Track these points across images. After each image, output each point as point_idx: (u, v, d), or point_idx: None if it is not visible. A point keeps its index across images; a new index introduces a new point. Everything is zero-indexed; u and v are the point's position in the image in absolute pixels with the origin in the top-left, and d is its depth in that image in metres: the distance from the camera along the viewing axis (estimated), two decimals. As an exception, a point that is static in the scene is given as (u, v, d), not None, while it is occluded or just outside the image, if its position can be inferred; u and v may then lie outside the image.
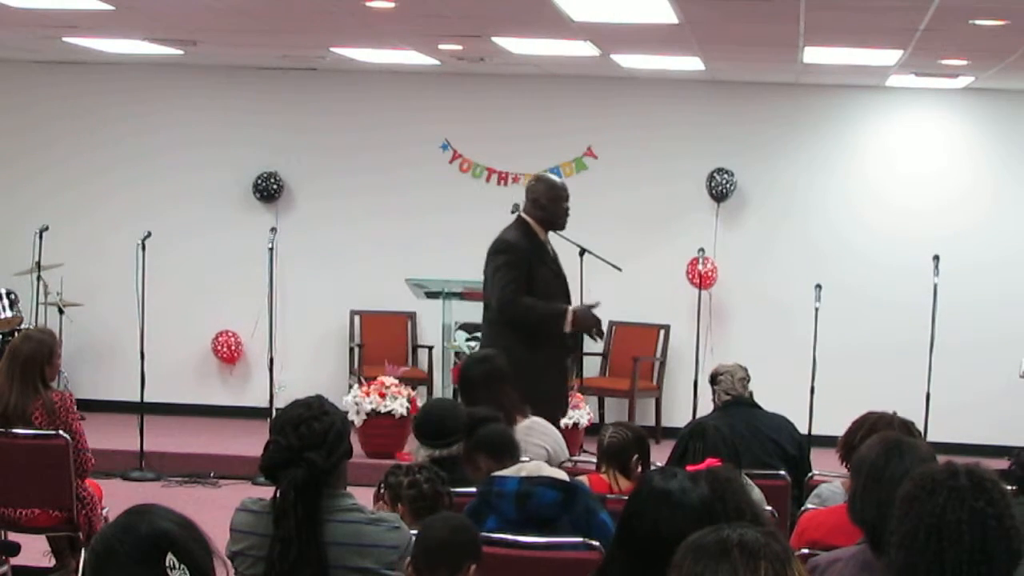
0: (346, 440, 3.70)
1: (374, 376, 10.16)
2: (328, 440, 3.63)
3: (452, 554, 3.73)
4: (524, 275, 7.21)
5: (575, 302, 7.61)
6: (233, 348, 11.69)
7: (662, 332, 11.39)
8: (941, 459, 3.55)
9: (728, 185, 11.35)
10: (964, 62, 9.46)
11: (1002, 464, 4.29)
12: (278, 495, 3.62)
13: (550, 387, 7.18)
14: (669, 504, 3.21)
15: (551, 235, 7.49)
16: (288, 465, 3.60)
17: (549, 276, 7.29)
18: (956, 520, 2.79)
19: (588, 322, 7.34)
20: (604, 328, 7.55)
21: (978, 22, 7.45)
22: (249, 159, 11.77)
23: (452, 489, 4.66)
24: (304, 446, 3.60)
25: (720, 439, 4.89)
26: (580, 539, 4.28)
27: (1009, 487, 3.36)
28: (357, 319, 11.67)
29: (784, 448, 6.06)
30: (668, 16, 7.71)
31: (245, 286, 11.27)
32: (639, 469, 5.29)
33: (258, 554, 3.67)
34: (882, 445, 3.55)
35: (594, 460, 6.06)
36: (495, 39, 9.16)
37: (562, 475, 4.69)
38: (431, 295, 10.10)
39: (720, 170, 11.37)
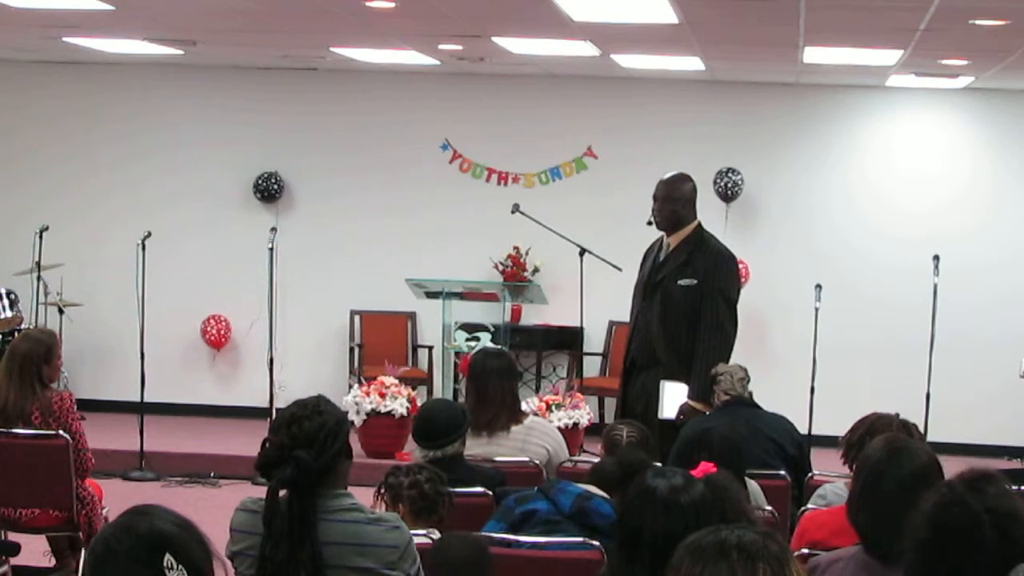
0: (341, 440, 3.69)
1: (374, 376, 10.16)
2: (319, 440, 3.62)
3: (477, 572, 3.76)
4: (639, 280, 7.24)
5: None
6: (223, 333, 11.70)
7: (662, 332, 11.38)
8: (941, 458, 3.56)
9: (735, 186, 11.30)
10: (964, 62, 9.46)
11: (1002, 464, 4.29)
12: (267, 494, 3.62)
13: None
14: (656, 504, 3.20)
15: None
16: (279, 464, 3.60)
17: (638, 283, 7.21)
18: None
19: None
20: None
21: (978, 22, 7.46)
22: (249, 159, 11.77)
23: (451, 489, 4.65)
24: (295, 445, 3.60)
25: (724, 447, 4.89)
26: (580, 539, 4.27)
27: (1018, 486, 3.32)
28: (357, 319, 11.67)
29: (784, 448, 6.05)
30: (668, 16, 7.72)
31: (245, 286, 11.28)
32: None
33: (258, 554, 3.67)
34: (885, 449, 3.52)
35: (595, 461, 6.06)
36: (495, 39, 9.16)
37: None
38: (431, 295, 10.10)
39: (730, 170, 11.33)
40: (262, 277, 10.11)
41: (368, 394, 9.77)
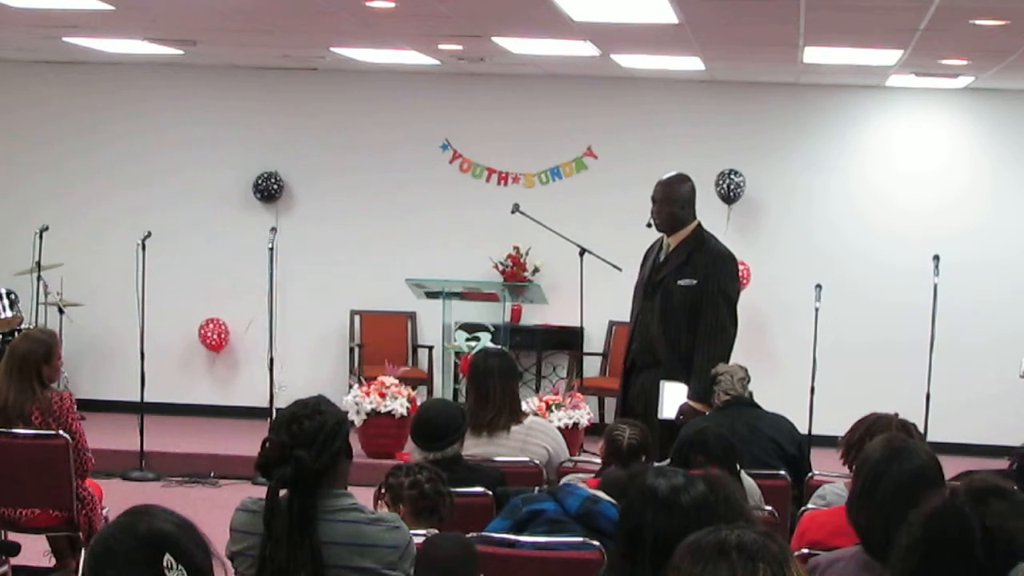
0: (340, 440, 3.69)
1: (374, 376, 10.15)
2: (318, 439, 3.62)
3: (465, 571, 3.76)
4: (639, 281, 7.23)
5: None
6: (222, 336, 11.69)
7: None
8: (941, 458, 3.56)
9: (737, 188, 11.28)
10: (964, 62, 9.46)
11: (1002, 464, 4.29)
12: (267, 494, 3.62)
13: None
14: (656, 504, 3.20)
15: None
16: (279, 463, 3.60)
17: (638, 283, 7.22)
18: None
19: None
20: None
21: (978, 22, 7.45)
22: (249, 159, 11.77)
23: (451, 489, 4.65)
24: (295, 444, 3.61)
25: (720, 447, 4.89)
26: (580, 539, 4.27)
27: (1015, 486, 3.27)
28: (357, 319, 11.67)
29: (784, 448, 6.06)
30: (668, 16, 7.71)
31: (245, 286, 11.28)
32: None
33: (258, 554, 3.67)
34: (885, 449, 3.52)
35: (595, 461, 6.05)
36: (495, 39, 9.16)
37: None
38: (431, 295, 10.10)
39: (732, 172, 11.30)
40: (262, 277, 10.11)
41: (368, 394, 9.76)
